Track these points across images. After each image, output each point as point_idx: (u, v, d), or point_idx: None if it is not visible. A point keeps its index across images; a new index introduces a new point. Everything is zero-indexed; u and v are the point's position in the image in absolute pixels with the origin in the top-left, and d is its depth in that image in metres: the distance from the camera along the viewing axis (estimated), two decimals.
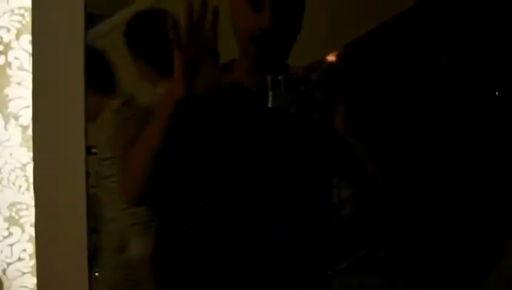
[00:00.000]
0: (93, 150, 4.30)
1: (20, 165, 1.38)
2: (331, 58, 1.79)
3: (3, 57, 1.36)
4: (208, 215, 1.68)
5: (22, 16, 1.35)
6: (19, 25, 1.35)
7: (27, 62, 1.36)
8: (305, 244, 1.72)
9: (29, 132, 1.36)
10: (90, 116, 1.61)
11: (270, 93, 1.53)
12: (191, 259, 1.70)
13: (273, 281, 1.66)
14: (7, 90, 1.36)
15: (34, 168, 1.36)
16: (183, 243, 1.72)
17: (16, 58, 1.36)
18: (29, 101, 1.36)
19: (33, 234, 1.38)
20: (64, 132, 1.32)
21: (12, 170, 1.37)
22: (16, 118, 1.37)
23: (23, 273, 1.39)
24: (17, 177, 1.37)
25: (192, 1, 1.42)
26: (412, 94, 5.05)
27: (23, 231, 1.38)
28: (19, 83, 1.36)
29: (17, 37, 1.36)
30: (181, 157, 1.64)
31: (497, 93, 4.98)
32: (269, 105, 1.53)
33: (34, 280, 1.38)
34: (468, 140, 4.77)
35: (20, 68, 1.36)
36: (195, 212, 1.69)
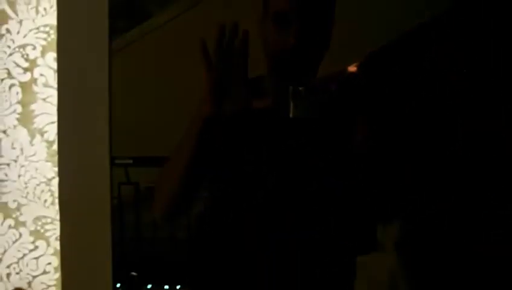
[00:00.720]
0: (117, 161, 4.34)
1: (45, 180, 1.40)
2: (351, 69, 1.80)
3: (29, 73, 1.39)
4: (237, 231, 1.71)
5: (47, 33, 1.38)
6: (44, 42, 1.38)
7: (52, 79, 1.39)
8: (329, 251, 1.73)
9: (55, 147, 1.39)
10: None
11: (292, 103, 1.55)
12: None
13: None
14: (33, 106, 1.39)
15: (59, 182, 1.38)
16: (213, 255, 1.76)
17: (41, 74, 1.39)
18: (54, 117, 1.39)
19: (58, 247, 1.40)
20: (89, 147, 1.34)
21: (37, 185, 1.40)
22: (42, 133, 1.39)
23: (48, 286, 1.41)
24: (42, 191, 1.40)
25: (225, 22, 1.44)
26: (434, 107, 5.03)
27: (48, 244, 1.41)
28: (44, 99, 1.39)
29: (43, 54, 1.39)
30: (210, 173, 1.66)
31: None
32: (290, 115, 1.55)
33: None
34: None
35: (46, 85, 1.39)
36: (225, 226, 1.72)
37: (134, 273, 4.56)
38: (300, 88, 1.54)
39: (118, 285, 4.50)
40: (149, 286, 4.59)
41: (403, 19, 4.84)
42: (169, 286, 4.56)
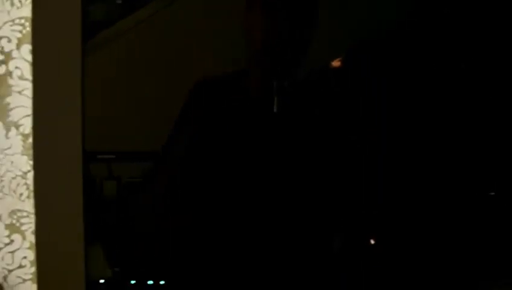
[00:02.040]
0: (99, 156, 4.32)
1: (21, 173, 1.39)
2: (335, 63, 1.82)
3: (4, 66, 1.38)
4: (220, 217, 1.73)
5: (23, 25, 1.37)
6: (19, 35, 1.37)
7: (28, 71, 1.38)
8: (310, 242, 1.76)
9: (30, 140, 1.38)
10: None
11: (276, 98, 1.57)
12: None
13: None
14: (8, 99, 1.38)
15: (34, 176, 1.38)
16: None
17: (16, 67, 1.38)
18: (30, 110, 1.38)
19: (34, 241, 1.39)
20: (63, 140, 1.34)
21: (13, 178, 1.39)
22: (17, 126, 1.39)
23: (24, 280, 1.40)
24: (18, 185, 1.39)
25: None
26: (419, 102, 5.05)
27: (24, 238, 1.40)
28: (19, 92, 1.38)
29: (18, 46, 1.38)
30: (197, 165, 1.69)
31: None
32: (274, 110, 1.57)
33: (35, 287, 1.40)
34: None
35: (21, 77, 1.38)
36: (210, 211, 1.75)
37: (116, 269, 4.55)
38: (284, 83, 1.56)
39: (102, 281, 4.50)
40: (132, 282, 4.59)
41: (386, 14, 4.86)
42: (153, 282, 4.56)
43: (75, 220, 1.32)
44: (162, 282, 4.51)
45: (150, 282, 4.50)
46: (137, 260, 4.56)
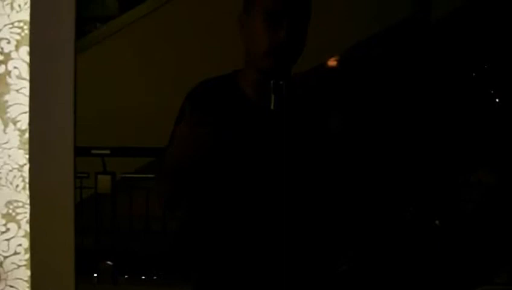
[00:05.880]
0: (93, 151, 4.39)
1: (17, 166, 1.48)
2: (331, 63, 1.88)
3: (3, 66, 1.47)
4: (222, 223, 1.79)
5: (21, 28, 1.46)
6: (18, 37, 1.47)
7: (25, 71, 1.47)
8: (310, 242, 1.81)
9: (27, 135, 1.47)
10: None
11: (273, 96, 1.64)
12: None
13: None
14: (7, 97, 1.47)
15: (29, 169, 1.47)
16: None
17: (15, 67, 1.47)
18: (27, 107, 1.47)
19: (28, 230, 1.48)
20: (57, 136, 1.43)
21: (10, 171, 1.48)
22: (15, 122, 1.48)
23: (19, 266, 1.49)
24: (14, 177, 1.48)
25: None
26: (413, 103, 5.09)
27: (19, 227, 1.49)
28: (17, 91, 1.47)
29: (17, 48, 1.47)
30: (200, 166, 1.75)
31: None
32: (271, 108, 1.64)
33: (29, 273, 1.49)
34: None
35: (19, 77, 1.47)
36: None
37: (110, 263, 4.63)
38: (281, 82, 1.63)
39: (95, 275, 4.57)
40: (126, 277, 4.66)
41: (380, 15, 4.93)
42: (146, 277, 4.63)
43: (67, 211, 1.41)
44: (154, 277, 4.59)
45: (143, 277, 4.59)
46: (131, 254, 4.64)
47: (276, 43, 1.69)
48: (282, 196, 1.71)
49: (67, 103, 1.40)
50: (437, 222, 4.21)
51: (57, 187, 1.43)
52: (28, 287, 1.49)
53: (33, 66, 1.44)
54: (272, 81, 1.65)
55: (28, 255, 1.49)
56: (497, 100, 5.08)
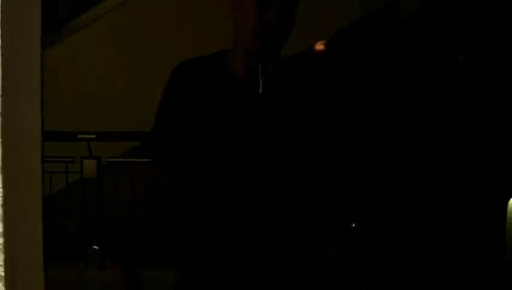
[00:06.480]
0: (79, 136, 4.40)
1: None
2: (318, 47, 1.89)
3: None
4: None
5: None
6: None
7: None
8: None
9: None
10: None
11: (261, 80, 1.65)
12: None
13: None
14: None
15: (2, 152, 1.47)
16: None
17: None
18: None
19: (1, 213, 1.49)
20: (27, 120, 1.43)
21: None
22: None
23: None
24: None
25: None
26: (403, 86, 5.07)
27: None
28: None
29: None
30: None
31: None
32: (260, 91, 1.65)
33: (2, 256, 1.50)
34: None
35: None
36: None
37: (96, 247, 4.64)
38: (270, 66, 1.64)
39: (82, 260, 4.56)
40: (112, 261, 4.67)
41: None
42: (133, 261, 4.64)
43: (35, 194, 1.42)
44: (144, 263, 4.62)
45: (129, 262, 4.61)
46: (118, 239, 4.65)
47: (264, 23, 1.69)
48: (271, 180, 1.72)
49: (35, 86, 1.41)
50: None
51: (27, 171, 1.44)
52: (2, 271, 1.50)
53: (4, 52, 1.44)
54: (260, 66, 1.66)
55: (2, 240, 1.49)
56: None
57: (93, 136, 4.63)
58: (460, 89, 5.05)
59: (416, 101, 5.08)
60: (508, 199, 2.03)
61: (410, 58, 5.25)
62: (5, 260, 1.50)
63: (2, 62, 1.45)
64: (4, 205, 1.49)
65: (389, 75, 5.23)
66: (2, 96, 1.46)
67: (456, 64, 5.31)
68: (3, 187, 1.47)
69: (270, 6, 1.70)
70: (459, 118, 4.79)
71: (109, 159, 4.76)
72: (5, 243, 1.49)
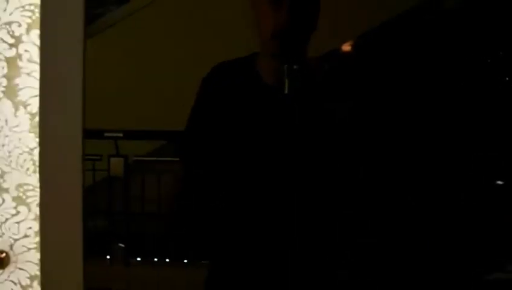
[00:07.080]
0: (106, 134, 4.42)
1: (28, 150, 1.49)
2: (345, 48, 1.88)
3: (14, 49, 1.47)
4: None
5: (32, 11, 1.46)
6: (29, 20, 1.47)
7: (36, 55, 1.47)
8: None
9: (37, 119, 1.48)
10: None
11: (286, 80, 1.64)
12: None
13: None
14: (17, 80, 1.48)
15: (40, 152, 1.47)
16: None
17: (26, 50, 1.47)
18: (37, 90, 1.47)
19: (38, 213, 1.49)
20: (66, 119, 1.43)
21: (20, 154, 1.49)
22: (25, 106, 1.48)
23: (29, 249, 1.50)
24: (25, 160, 1.49)
25: None
26: (427, 88, 5.05)
27: (29, 210, 1.50)
28: (28, 74, 1.48)
29: (28, 31, 1.47)
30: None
31: None
32: (285, 92, 1.64)
33: (38, 255, 1.50)
34: None
35: (30, 60, 1.47)
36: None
37: (122, 245, 4.66)
38: (294, 66, 1.63)
39: (108, 257, 4.60)
40: (138, 259, 4.69)
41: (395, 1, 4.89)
42: (158, 259, 4.65)
43: (75, 193, 1.42)
44: (167, 260, 4.62)
45: (155, 259, 4.62)
46: (143, 237, 4.66)
47: (278, 24, 1.69)
48: (295, 185, 1.72)
49: (77, 86, 1.40)
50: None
51: (66, 170, 1.44)
52: (37, 270, 1.50)
53: (43, 49, 1.44)
54: (285, 66, 1.65)
55: (38, 238, 1.50)
56: None
57: (120, 134, 4.65)
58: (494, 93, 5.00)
59: (444, 107, 5.05)
60: None
61: (437, 61, 5.22)
62: (41, 259, 1.50)
63: (41, 62, 1.45)
64: (41, 205, 1.49)
65: (416, 76, 5.20)
66: (40, 96, 1.47)
67: (484, 67, 5.26)
68: (41, 188, 1.48)
69: (283, 7, 1.70)
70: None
71: (136, 158, 4.77)
72: (42, 242, 1.49)
